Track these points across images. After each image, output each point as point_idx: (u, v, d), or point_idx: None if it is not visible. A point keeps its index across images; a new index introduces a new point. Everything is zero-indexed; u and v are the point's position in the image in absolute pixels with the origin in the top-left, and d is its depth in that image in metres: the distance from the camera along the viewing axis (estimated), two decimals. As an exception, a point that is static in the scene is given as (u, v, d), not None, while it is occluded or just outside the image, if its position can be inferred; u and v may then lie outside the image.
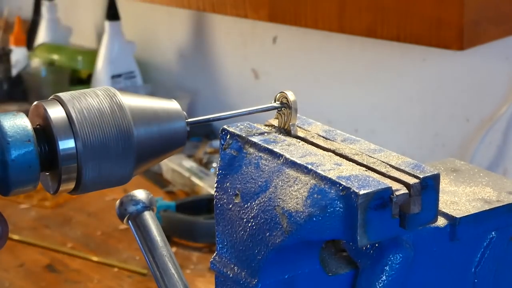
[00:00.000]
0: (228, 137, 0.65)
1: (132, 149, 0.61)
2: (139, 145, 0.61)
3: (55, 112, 0.59)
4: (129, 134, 0.60)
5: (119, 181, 0.62)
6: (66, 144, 0.59)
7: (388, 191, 0.57)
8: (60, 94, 0.60)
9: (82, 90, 0.61)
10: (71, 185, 0.60)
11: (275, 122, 0.67)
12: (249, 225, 0.61)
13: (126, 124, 0.60)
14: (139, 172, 0.63)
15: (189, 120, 0.64)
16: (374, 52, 1.64)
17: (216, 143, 1.86)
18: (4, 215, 0.62)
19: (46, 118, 0.59)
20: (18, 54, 2.28)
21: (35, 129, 0.59)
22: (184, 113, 0.64)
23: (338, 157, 0.62)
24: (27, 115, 0.60)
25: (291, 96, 0.65)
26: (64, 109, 0.59)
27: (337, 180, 0.57)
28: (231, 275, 0.63)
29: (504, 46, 1.46)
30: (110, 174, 0.60)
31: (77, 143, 0.59)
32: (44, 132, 0.59)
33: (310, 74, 1.79)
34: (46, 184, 0.62)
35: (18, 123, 0.58)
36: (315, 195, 0.57)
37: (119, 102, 0.61)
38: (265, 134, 0.65)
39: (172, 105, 0.64)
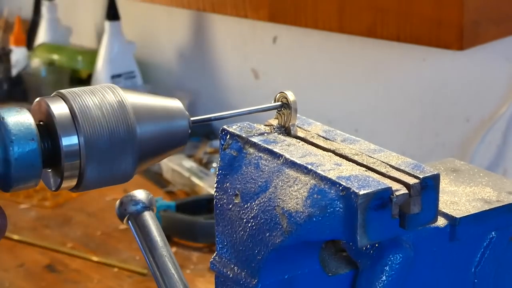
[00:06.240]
0: (228, 137, 0.65)
1: (134, 147, 0.60)
2: (141, 142, 0.61)
3: (58, 108, 0.59)
4: (132, 131, 0.60)
5: (121, 178, 0.62)
6: (69, 141, 0.58)
7: (388, 191, 0.57)
8: (63, 91, 0.60)
9: (84, 87, 0.61)
10: (73, 182, 0.60)
11: (275, 122, 0.67)
12: (249, 225, 0.61)
13: (129, 121, 0.60)
14: (140, 170, 0.63)
15: (192, 118, 0.64)
16: (374, 52, 1.64)
17: (216, 143, 1.86)
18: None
19: (49, 114, 0.59)
20: (18, 54, 2.27)
21: (38, 126, 0.59)
22: (186, 112, 0.64)
23: (338, 157, 0.62)
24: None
25: (291, 96, 0.65)
26: (67, 105, 0.59)
27: (337, 180, 0.57)
28: (231, 275, 0.63)
29: (504, 46, 1.46)
30: (112, 171, 0.60)
31: (80, 140, 0.59)
32: (47, 129, 0.59)
33: (310, 74, 1.79)
34: (48, 181, 0.61)
35: (21, 120, 0.58)
36: (315, 195, 0.57)
37: (122, 99, 0.61)
38: (265, 134, 0.65)
39: (174, 103, 0.64)
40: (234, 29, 1.94)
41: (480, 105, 1.53)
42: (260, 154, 0.62)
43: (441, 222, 0.64)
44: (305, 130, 0.66)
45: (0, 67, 2.24)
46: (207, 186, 1.67)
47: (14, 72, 2.25)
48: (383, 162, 0.61)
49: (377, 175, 0.59)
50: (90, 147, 0.59)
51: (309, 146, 0.64)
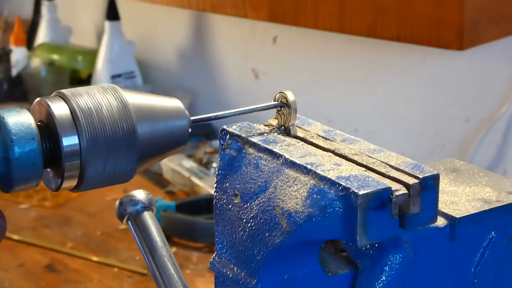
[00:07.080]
0: (227, 137, 0.65)
1: (135, 146, 0.60)
2: (142, 142, 0.61)
3: (59, 109, 0.59)
4: (132, 131, 0.60)
5: (121, 178, 0.62)
6: (70, 141, 0.59)
7: (388, 191, 0.57)
8: (63, 91, 0.60)
9: (85, 87, 0.61)
10: (74, 182, 0.60)
11: (275, 122, 0.67)
12: (249, 225, 0.61)
13: (129, 121, 0.60)
14: (141, 169, 0.63)
15: (192, 118, 0.64)
16: (374, 52, 1.64)
17: (216, 143, 1.86)
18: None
19: (49, 114, 0.59)
20: (18, 54, 2.28)
21: (38, 126, 0.59)
22: (186, 111, 0.64)
23: (337, 157, 0.62)
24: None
25: (290, 96, 0.65)
26: (68, 105, 0.59)
27: (336, 180, 0.57)
28: (230, 275, 0.63)
29: (504, 46, 1.46)
30: (113, 171, 0.60)
31: (81, 140, 0.59)
32: (48, 129, 0.59)
33: (310, 74, 1.79)
34: (48, 181, 0.61)
35: (22, 120, 0.58)
36: (315, 195, 0.57)
37: (123, 99, 0.61)
38: (265, 134, 0.65)
39: (174, 103, 0.64)
40: (234, 29, 1.94)
41: (480, 105, 1.53)
42: (259, 154, 0.62)
43: (440, 222, 0.64)
44: (305, 130, 0.66)
45: (0, 67, 2.24)
46: (207, 186, 1.67)
47: (14, 72, 2.25)
48: (383, 162, 0.61)
49: (376, 175, 0.59)
50: (91, 147, 0.59)
51: (309, 146, 0.64)
